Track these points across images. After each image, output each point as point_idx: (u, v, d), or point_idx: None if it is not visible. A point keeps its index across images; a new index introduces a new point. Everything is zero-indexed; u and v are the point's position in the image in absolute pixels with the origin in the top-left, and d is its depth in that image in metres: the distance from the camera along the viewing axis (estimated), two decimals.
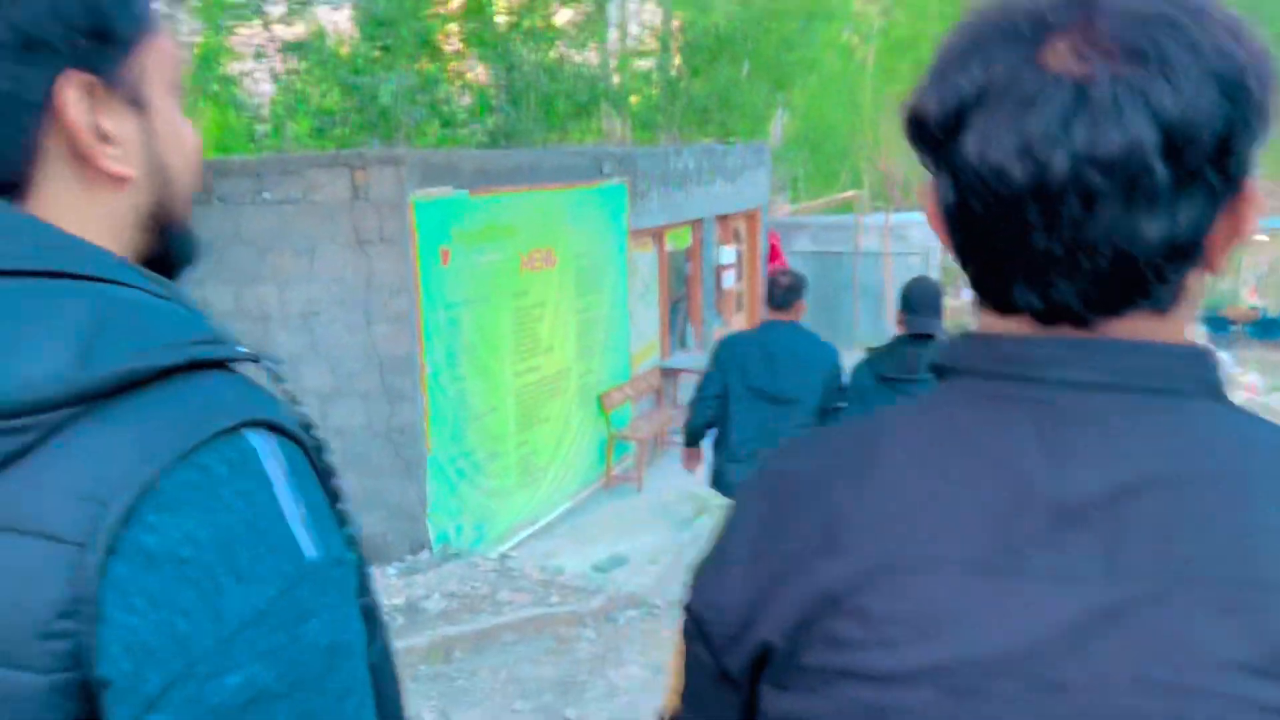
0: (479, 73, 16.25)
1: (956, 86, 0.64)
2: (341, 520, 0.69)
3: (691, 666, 0.74)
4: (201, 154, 0.80)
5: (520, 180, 6.86)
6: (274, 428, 0.65)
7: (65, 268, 0.65)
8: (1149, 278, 0.63)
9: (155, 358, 0.62)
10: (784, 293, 4.41)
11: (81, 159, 0.69)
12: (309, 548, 0.63)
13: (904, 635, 0.62)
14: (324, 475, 0.69)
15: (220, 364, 0.67)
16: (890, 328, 4.54)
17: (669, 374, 9.49)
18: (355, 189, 5.85)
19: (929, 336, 3.80)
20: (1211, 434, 0.63)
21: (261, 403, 0.66)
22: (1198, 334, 12.82)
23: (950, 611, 0.61)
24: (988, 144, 0.62)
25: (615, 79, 16.73)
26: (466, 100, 15.37)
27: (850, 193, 17.02)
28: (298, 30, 14.90)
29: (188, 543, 0.58)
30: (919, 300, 3.87)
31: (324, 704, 0.62)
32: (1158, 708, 0.57)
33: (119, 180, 0.71)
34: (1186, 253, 0.62)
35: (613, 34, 17.65)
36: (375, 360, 5.93)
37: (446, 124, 14.49)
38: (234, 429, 0.62)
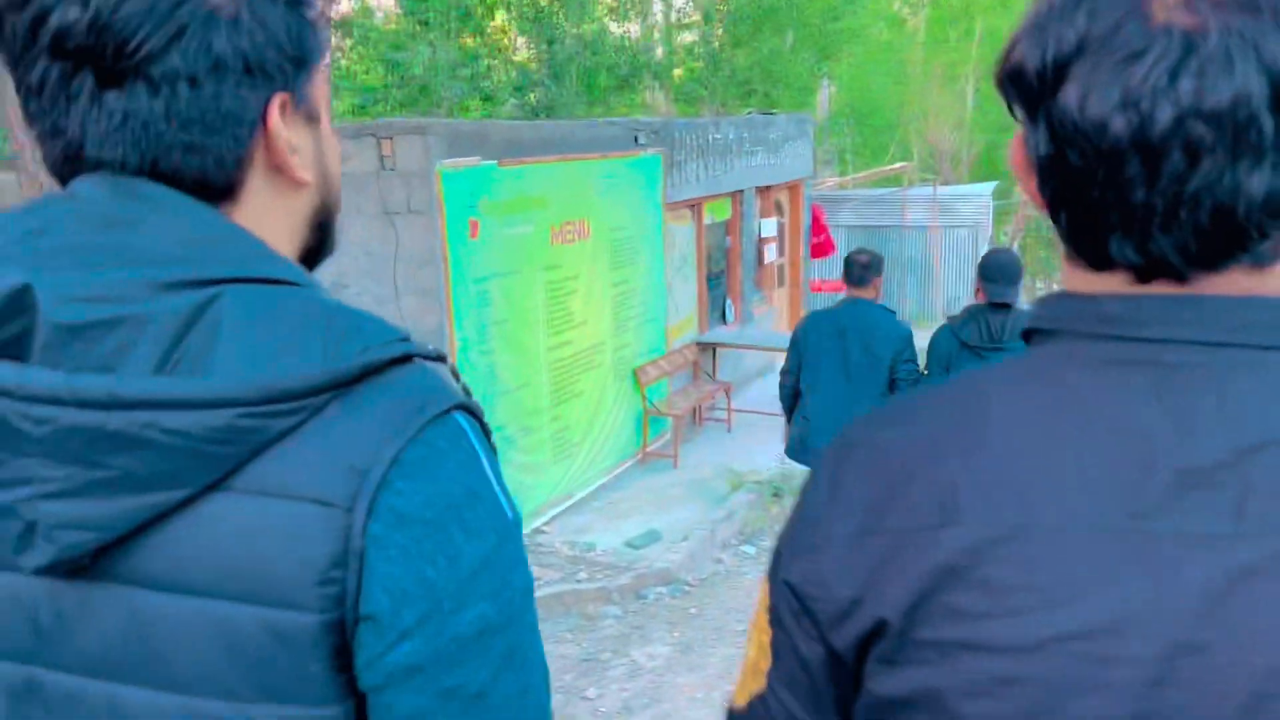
0: (520, 47, 16.14)
1: (1059, 37, 0.64)
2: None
3: (787, 645, 0.73)
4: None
5: (551, 151, 6.75)
6: (469, 411, 0.77)
7: (274, 275, 0.75)
8: (1250, 232, 0.62)
9: (382, 352, 0.73)
10: (861, 270, 4.55)
11: (278, 168, 0.80)
12: (508, 508, 0.76)
13: (1032, 603, 0.61)
14: (492, 446, 0.81)
15: (422, 360, 0.77)
16: (937, 302, 4.28)
17: (706, 349, 9.35)
18: (382, 159, 5.78)
19: (1007, 305, 3.98)
20: None
21: (458, 391, 0.77)
22: None
23: (1078, 577, 0.61)
24: (1089, 96, 0.62)
25: (658, 52, 16.54)
26: (509, 75, 15.25)
27: (898, 165, 16.61)
28: (342, 8, 14.90)
29: (428, 505, 0.71)
30: (997, 270, 4.00)
31: (526, 635, 0.76)
32: None
33: (302, 185, 0.83)
34: None
35: (656, 6, 17.42)
36: None
37: (487, 99, 14.39)
38: (447, 412, 0.74)
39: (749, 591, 5.45)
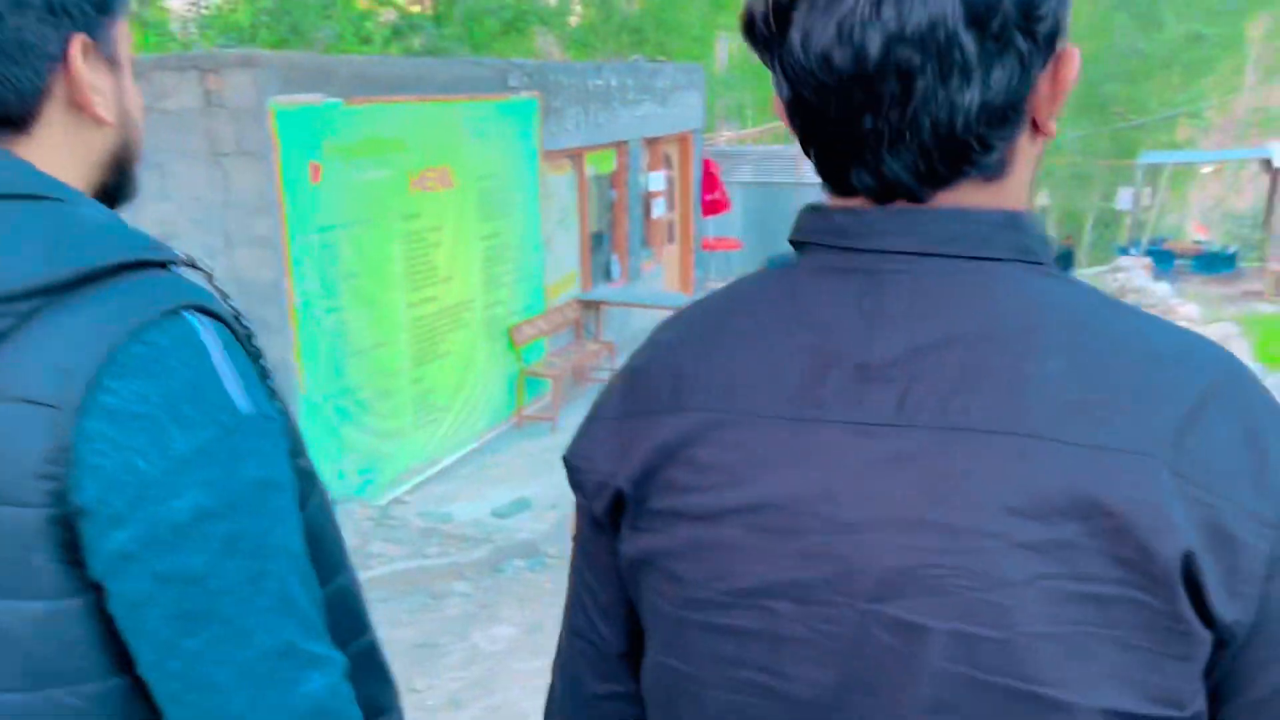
0: None
1: None
2: (270, 392, 0.83)
3: (577, 513, 0.81)
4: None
5: (408, 90, 6.21)
6: (208, 312, 0.79)
7: (35, 191, 0.78)
8: (973, 146, 0.66)
9: (108, 255, 0.76)
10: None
11: (77, 105, 0.84)
12: (242, 403, 0.78)
13: (721, 480, 0.69)
14: (253, 356, 0.83)
15: (162, 265, 0.81)
16: None
17: (590, 306, 8.95)
18: (208, 95, 5.18)
19: None
20: (1013, 295, 0.67)
21: (197, 293, 0.80)
22: (1143, 264, 12.55)
23: (758, 458, 0.68)
24: (810, 34, 0.65)
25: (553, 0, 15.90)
26: (389, 17, 14.47)
27: None
28: None
29: (139, 400, 0.73)
30: None
31: (257, 525, 0.77)
32: (933, 545, 0.63)
33: (101, 124, 0.86)
34: (1005, 117, 0.66)
35: None
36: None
37: (365, 42, 13.60)
38: (174, 310, 0.76)
39: None
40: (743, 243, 16.04)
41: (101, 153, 0.87)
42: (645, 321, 10.16)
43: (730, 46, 24.10)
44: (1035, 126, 0.69)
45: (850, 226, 0.70)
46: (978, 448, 0.62)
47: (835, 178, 0.71)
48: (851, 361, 0.67)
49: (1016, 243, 0.68)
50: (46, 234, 0.75)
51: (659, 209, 10.85)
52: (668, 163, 11.43)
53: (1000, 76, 0.64)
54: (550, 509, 5.88)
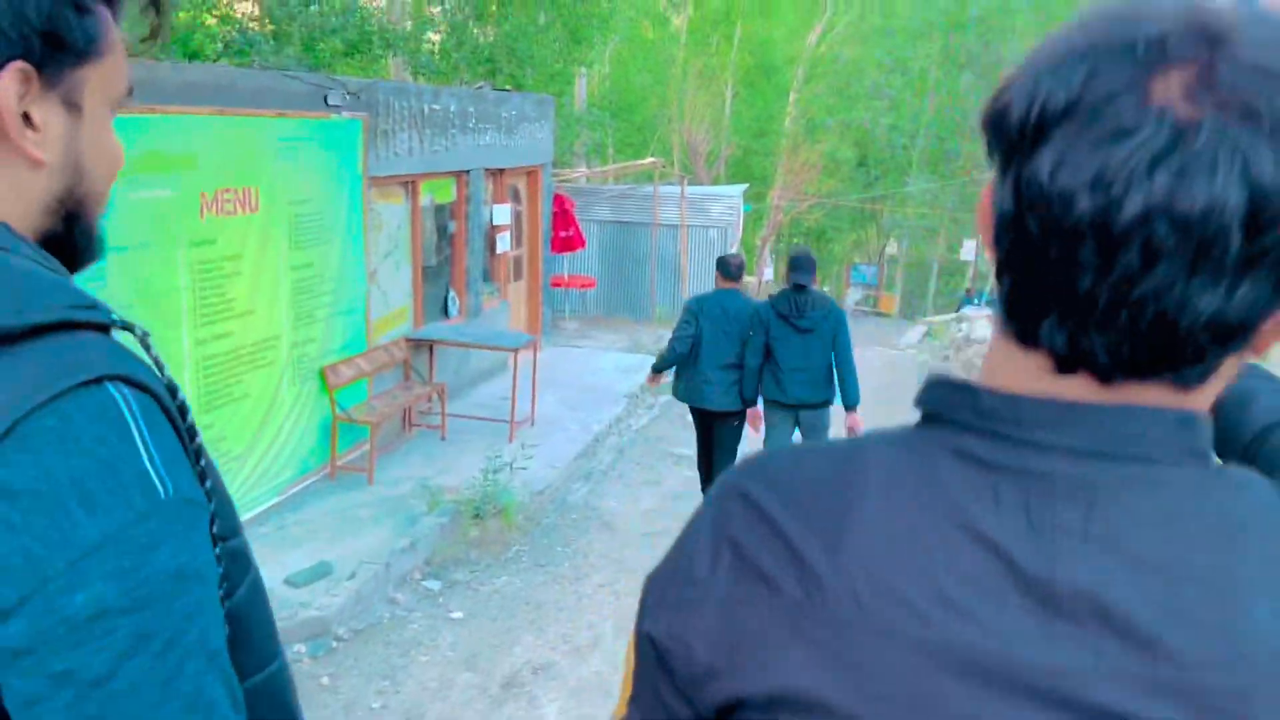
0: (243, 3, 14.36)
1: (1049, 92, 0.59)
2: (202, 476, 0.78)
3: (649, 688, 0.72)
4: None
5: (203, 101, 5.51)
6: (135, 384, 0.72)
7: None
8: (1186, 350, 0.60)
9: (30, 315, 0.69)
10: (737, 269, 6.07)
11: (3, 136, 0.77)
12: (160, 487, 0.70)
13: (896, 713, 0.61)
14: (185, 434, 0.77)
15: (97, 328, 0.74)
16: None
17: (420, 345, 8.30)
18: None
19: (805, 287, 5.74)
20: (1200, 512, 0.61)
21: (126, 361, 0.73)
22: (985, 315, 12.68)
23: (929, 698, 0.60)
24: (1063, 165, 0.58)
25: (408, 23, 15.23)
26: (221, 30, 13.48)
27: (649, 160, 16.14)
28: None
29: (44, 478, 0.66)
30: (799, 262, 5.80)
31: (169, 622, 0.69)
32: None
33: (34, 162, 0.78)
34: (1232, 334, 0.60)
35: None
36: None
37: (192, 56, 12.60)
38: (97, 381, 0.70)
39: (406, 649, 4.52)
40: (597, 281, 15.67)
41: (42, 197, 0.80)
42: (485, 363, 9.54)
43: (590, 83, 23.89)
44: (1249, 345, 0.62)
45: (1001, 410, 0.64)
46: (1189, 711, 0.57)
47: (1021, 320, 0.64)
48: (1032, 589, 0.60)
49: (1190, 444, 0.62)
50: None
51: (504, 244, 10.32)
52: (515, 196, 10.93)
53: (1248, 292, 0.57)
54: (349, 578, 5.20)
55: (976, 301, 23.44)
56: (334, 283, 6.93)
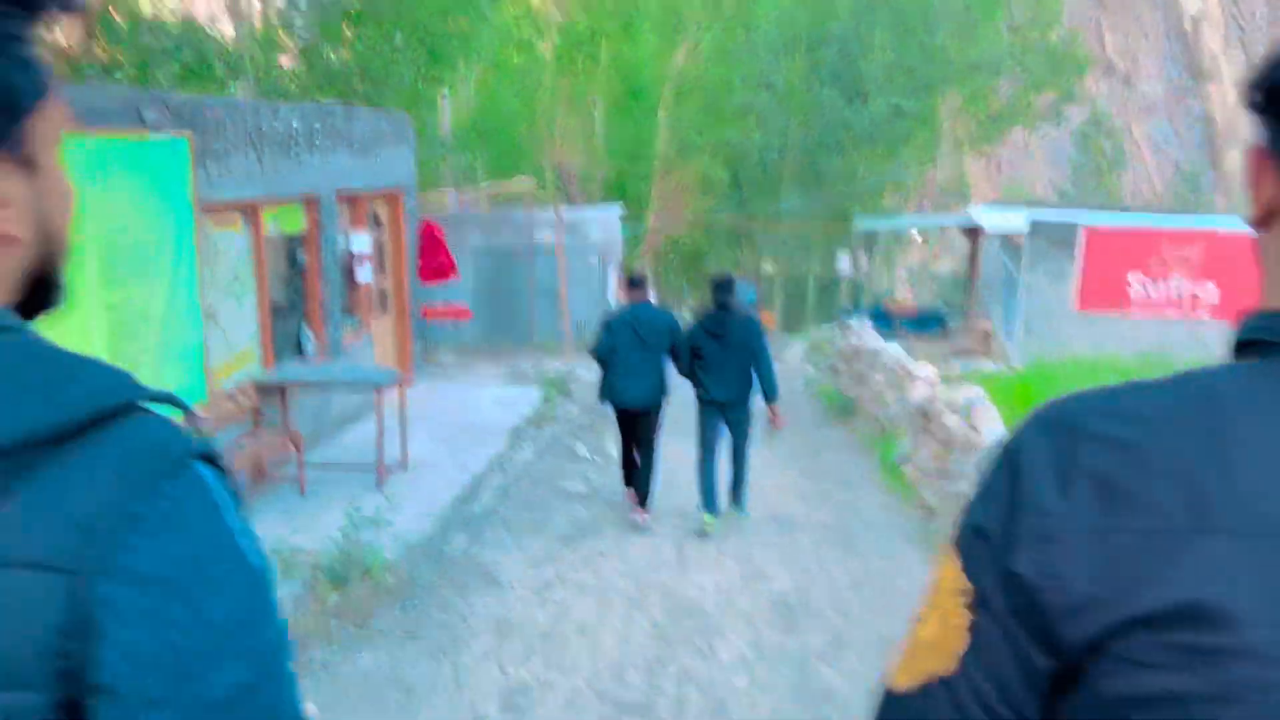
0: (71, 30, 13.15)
1: None
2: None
3: (996, 632, 0.70)
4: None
5: None
6: (209, 459, 0.73)
7: None
8: None
9: (109, 396, 0.68)
10: (639, 280, 7.00)
11: None
12: (252, 558, 0.72)
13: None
14: (238, 499, 0.76)
15: (145, 405, 0.72)
16: (565, 326, 10.48)
17: (271, 390, 7.43)
18: None
19: (727, 305, 6.63)
20: None
21: (194, 438, 0.73)
22: (864, 327, 12.52)
23: None
24: None
25: (255, 50, 14.23)
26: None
27: (522, 179, 15.52)
28: None
29: (170, 563, 0.66)
30: (723, 285, 6.75)
31: (283, 689, 0.73)
32: None
33: (9, 241, 0.74)
34: None
35: None
36: None
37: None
38: (184, 460, 0.70)
39: None
40: (473, 311, 14.92)
41: (15, 270, 0.75)
42: (348, 405, 8.70)
43: (456, 107, 23.13)
44: None
45: None
46: None
47: None
48: None
49: None
50: (30, 372, 0.67)
51: (365, 274, 9.52)
52: (376, 222, 10.15)
53: None
54: None
55: (854, 314, 23.60)
56: (160, 322, 6.06)
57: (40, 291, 0.78)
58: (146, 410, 0.71)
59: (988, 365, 13.73)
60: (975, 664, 0.70)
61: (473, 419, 9.45)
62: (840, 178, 30.70)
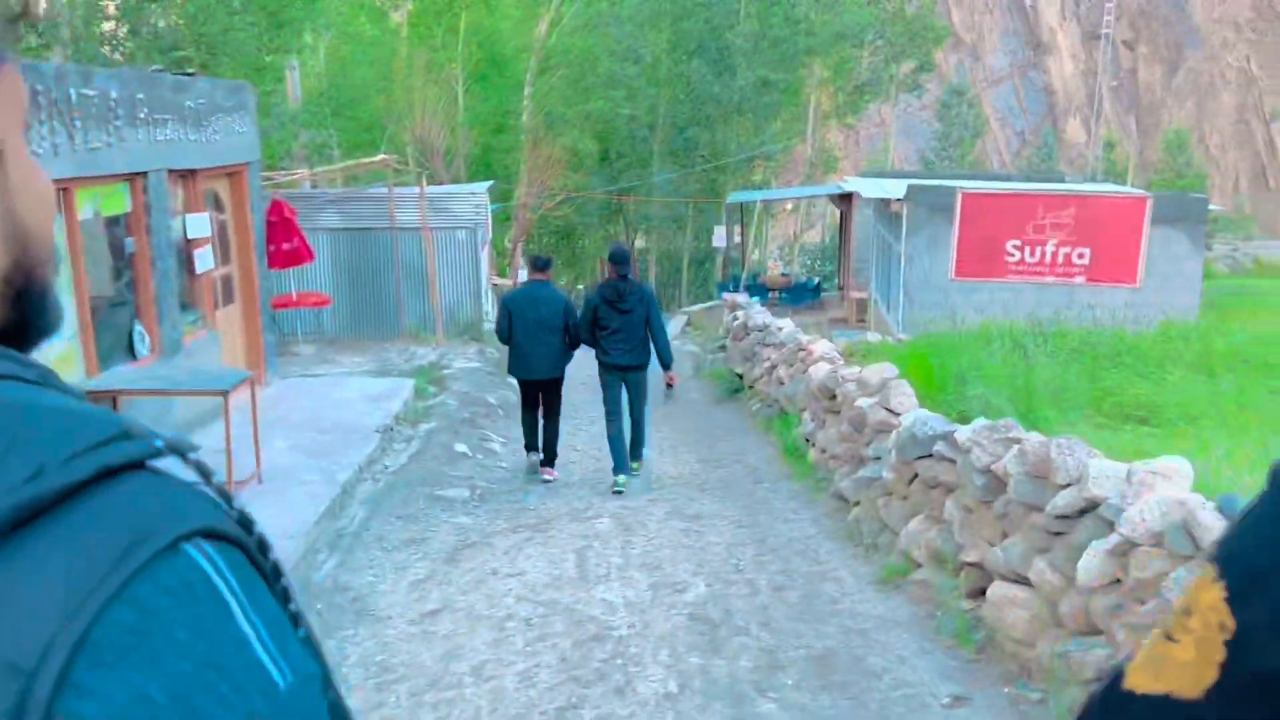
0: None
1: None
2: (296, 621, 0.60)
3: (1253, 687, 0.63)
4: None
5: None
6: (214, 535, 0.55)
7: None
8: None
9: (55, 478, 0.51)
10: (546, 263, 7.73)
11: None
12: (277, 673, 0.54)
13: None
14: (272, 577, 0.59)
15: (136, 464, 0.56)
16: (437, 311, 11.78)
17: (97, 399, 6.38)
18: None
19: (625, 277, 7.30)
20: None
21: (194, 506, 0.56)
22: (751, 303, 12.11)
23: None
24: None
25: (74, 12, 12.73)
26: None
27: (379, 157, 14.47)
28: None
29: (139, 703, 0.48)
30: (619, 257, 7.50)
31: None
32: None
33: None
34: None
35: None
36: None
37: None
38: (171, 546, 0.52)
39: None
40: (332, 298, 13.84)
41: None
42: (193, 410, 7.68)
43: (306, 79, 21.66)
44: None
45: None
46: None
47: None
48: None
49: None
50: None
51: (206, 261, 8.46)
52: (216, 204, 9.07)
53: None
54: None
55: (732, 287, 23.34)
56: None
57: (28, 310, 0.63)
58: (135, 472, 0.54)
59: (871, 336, 13.54)
60: (1223, 704, 0.63)
61: (338, 419, 8.55)
62: (711, 151, 30.41)
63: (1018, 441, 4.25)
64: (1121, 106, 70.35)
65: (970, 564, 4.50)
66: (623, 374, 7.29)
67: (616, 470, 7.35)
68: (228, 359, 8.94)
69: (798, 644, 4.40)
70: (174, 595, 0.51)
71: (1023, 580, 4.00)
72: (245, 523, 0.58)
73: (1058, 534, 3.77)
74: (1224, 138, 68.32)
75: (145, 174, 7.34)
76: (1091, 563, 3.42)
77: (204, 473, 0.59)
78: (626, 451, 7.42)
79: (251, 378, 6.81)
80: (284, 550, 5.57)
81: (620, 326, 7.18)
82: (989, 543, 4.41)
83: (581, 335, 7.30)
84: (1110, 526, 3.44)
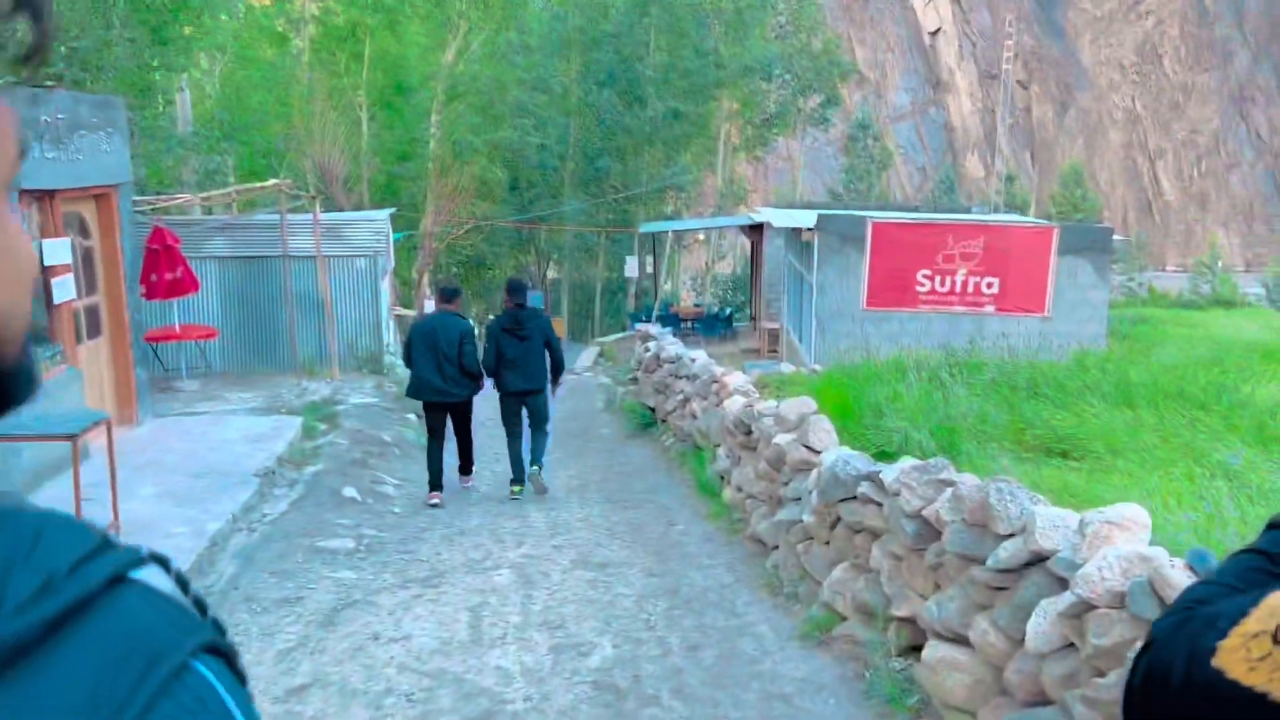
0: None
1: None
2: None
3: None
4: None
5: None
6: (211, 649, 0.55)
7: None
8: None
9: (67, 591, 0.51)
10: (453, 293, 8.18)
11: None
12: None
13: None
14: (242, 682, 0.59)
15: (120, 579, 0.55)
16: (332, 345, 11.71)
17: None
18: None
19: (523, 306, 7.85)
20: None
21: (190, 620, 0.56)
22: (658, 332, 11.70)
23: None
24: None
25: None
26: None
27: (271, 182, 13.72)
28: None
29: None
30: (516, 287, 8.06)
31: None
32: None
33: None
34: None
35: None
36: None
37: None
38: (183, 664, 0.52)
39: None
40: (219, 330, 13.00)
41: None
42: (49, 455, 6.88)
43: (198, 103, 20.69)
44: None
45: None
46: None
47: None
48: None
49: None
50: None
51: (65, 291, 7.68)
52: (81, 228, 8.29)
53: None
54: None
55: (645, 318, 23.00)
56: None
57: (4, 385, 0.59)
58: (127, 585, 0.54)
59: (785, 367, 13.28)
60: None
61: (214, 462, 7.82)
62: (622, 181, 30.16)
63: (951, 485, 3.88)
64: (1018, 143, 72.90)
65: (901, 618, 4.11)
66: (520, 399, 7.84)
67: (515, 481, 7.99)
68: (92, 397, 8.14)
69: (714, 715, 3.93)
70: (193, 714, 0.51)
71: (961, 640, 3.61)
72: (220, 629, 0.58)
73: (1000, 589, 3.39)
74: (1113, 173, 71.27)
75: None
76: (1041, 625, 3.04)
77: (183, 583, 0.58)
78: (524, 462, 7.96)
79: (107, 420, 6.10)
80: None
81: (519, 355, 7.71)
82: (921, 595, 4.02)
83: (486, 364, 7.74)
84: (1062, 584, 3.07)
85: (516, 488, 7.93)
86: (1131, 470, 6.30)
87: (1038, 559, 3.22)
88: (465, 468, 8.32)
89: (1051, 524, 3.16)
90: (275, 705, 4.07)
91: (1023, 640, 3.24)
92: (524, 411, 7.86)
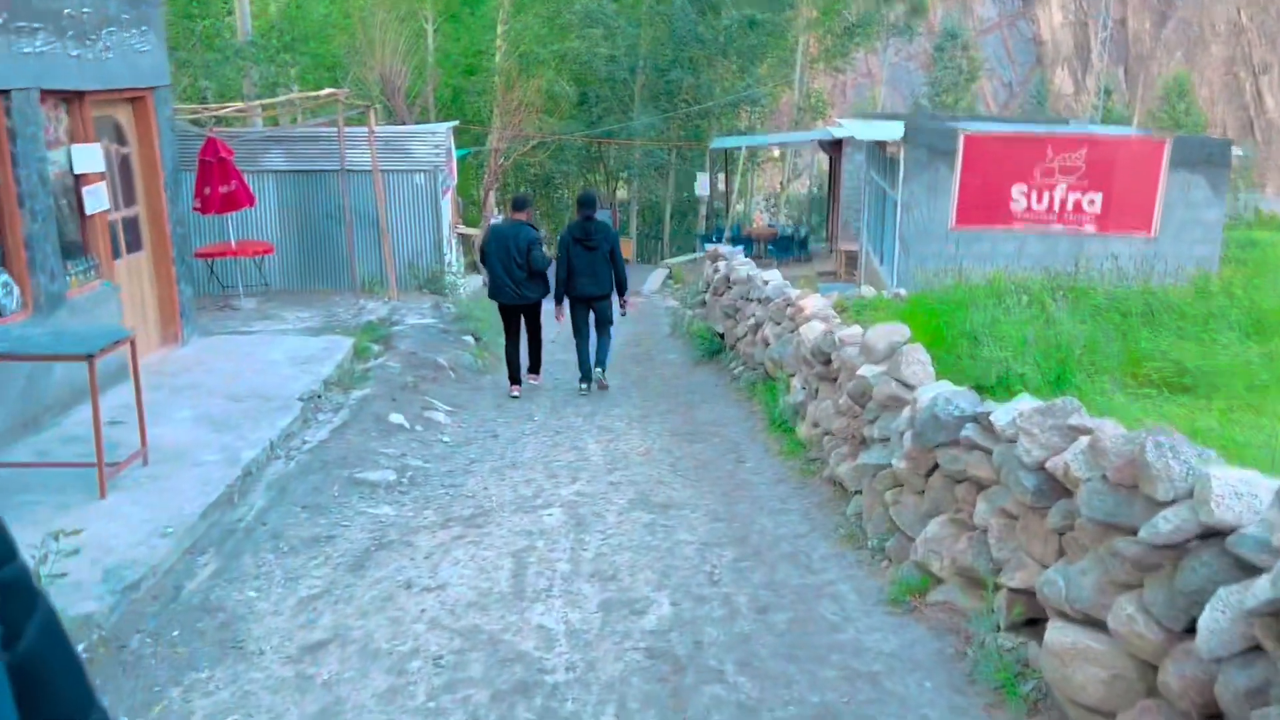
0: None
1: None
2: None
3: None
4: None
5: None
6: None
7: None
8: None
9: None
10: (524, 202, 8.79)
11: None
12: None
13: None
14: None
15: None
16: (389, 267, 11.82)
17: None
18: None
19: (592, 218, 8.55)
20: None
21: None
22: (734, 254, 10.93)
23: None
24: None
25: None
26: None
27: (327, 91, 13.13)
28: None
29: None
30: (586, 200, 8.84)
31: None
32: None
33: None
34: None
35: None
36: None
37: None
38: None
39: None
40: (274, 246, 12.59)
41: None
42: (68, 379, 6.50)
43: (258, 8, 20.14)
44: None
45: None
46: None
47: None
48: None
49: None
50: None
51: (99, 201, 7.24)
52: (117, 134, 7.82)
53: None
54: None
55: (715, 239, 22.14)
56: None
57: None
58: None
59: (866, 290, 12.44)
60: None
61: (258, 385, 7.41)
62: (694, 95, 28.96)
63: (1086, 432, 3.16)
64: (1112, 57, 68.88)
65: (1014, 589, 3.44)
66: (588, 304, 8.54)
67: (583, 380, 8.70)
68: (133, 315, 7.76)
69: (787, 698, 3.34)
70: None
71: (1096, 624, 2.94)
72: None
73: (1154, 566, 2.70)
74: (1212, 89, 67.00)
75: (8, 93, 6.11)
76: (1219, 620, 2.36)
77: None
78: (590, 363, 8.67)
79: (130, 338, 5.65)
80: (149, 555, 4.47)
81: (586, 263, 8.38)
82: (1040, 563, 3.35)
83: (559, 273, 8.42)
84: (1245, 569, 2.38)
85: (583, 386, 8.67)
86: (1273, 409, 5.47)
87: (1210, 534, 2.52)
88: (534, 367, 8.94)
89: (1233, 490, 2.44)
90: (286, 667, 3.60)
91: (1183, 634, 2.56)
92: (590, 317, 8.58)
